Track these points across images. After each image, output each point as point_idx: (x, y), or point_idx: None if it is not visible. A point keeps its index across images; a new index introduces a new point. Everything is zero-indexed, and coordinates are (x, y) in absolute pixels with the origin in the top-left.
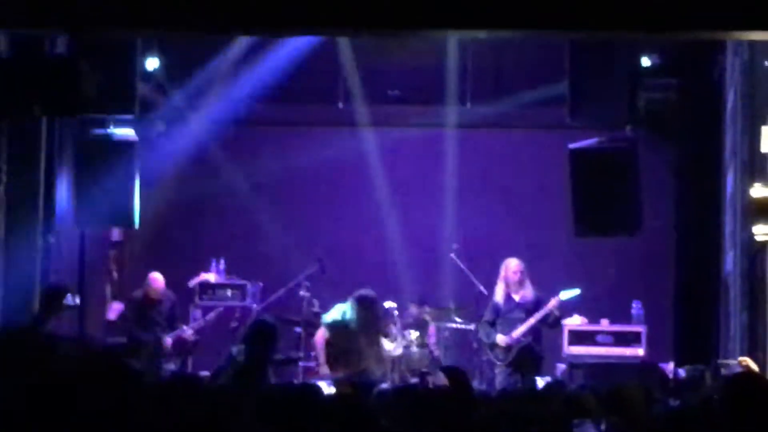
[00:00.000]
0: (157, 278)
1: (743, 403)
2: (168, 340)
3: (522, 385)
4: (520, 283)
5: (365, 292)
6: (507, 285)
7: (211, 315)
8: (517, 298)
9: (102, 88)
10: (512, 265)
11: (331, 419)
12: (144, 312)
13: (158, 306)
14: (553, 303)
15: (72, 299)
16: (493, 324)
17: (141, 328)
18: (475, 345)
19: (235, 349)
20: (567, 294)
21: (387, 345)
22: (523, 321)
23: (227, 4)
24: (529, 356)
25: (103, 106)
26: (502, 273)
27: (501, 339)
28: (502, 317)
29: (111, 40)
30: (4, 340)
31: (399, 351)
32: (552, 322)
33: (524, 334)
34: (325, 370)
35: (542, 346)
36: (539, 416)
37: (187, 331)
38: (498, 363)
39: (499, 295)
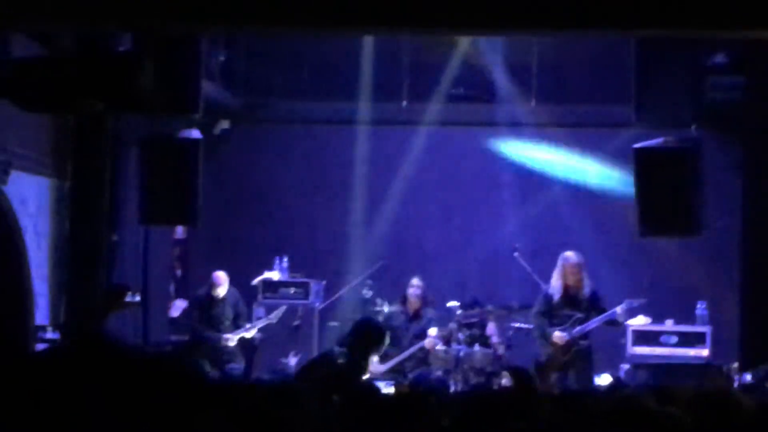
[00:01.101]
0: (220, 276)
1: None
2: (231, 339)
3: (579, 385)
4: (579, 278)
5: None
6: (565, 278)
7: (275, 313)
8: (575, 293)
9: (166, 85)
10: (572, 258)
11: (389, 419)
12: (208, 310)
13: (222, 304)
14: (619, 309)
15: (132, 297)
16: (545, 315)
17: (205, 326)
18: (500, 350)
19: (336, 350)
20: (633, 302)
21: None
22: (579, 319)
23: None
24: (585, 356)
25: (168, 104)
26: (559, 266)
27: (558, 337)
28: (557, 312)
29: (176, 37)
30: (73, 347)
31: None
32: (613, 324)
33: (582, 335)
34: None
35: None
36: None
37: (250, 329)
38: (553, 362)
39: (555, 288)
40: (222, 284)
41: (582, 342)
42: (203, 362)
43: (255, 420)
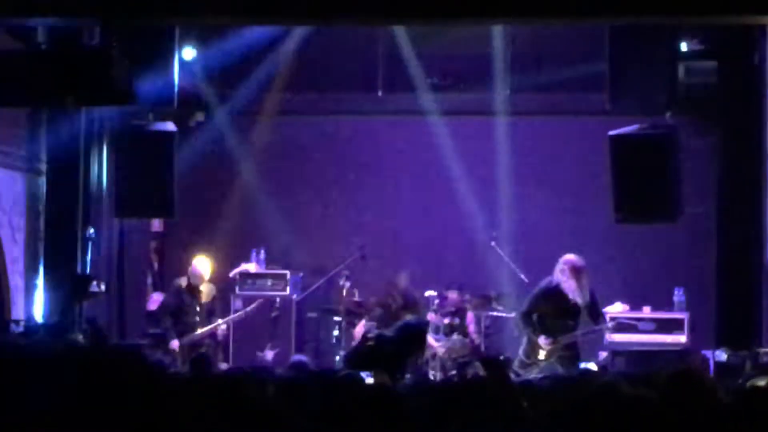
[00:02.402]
0: (199, 266)
1: None
2: (174, 342)
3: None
4: (585, 284)
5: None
6: (576, 282)
7: (252, 306)
8: (577, 300)
9: (139, 78)
10: (579, 263)
11: (368, 408)
12: (184, 301)
13: (198, 295)
14: (607, 325)
15: (97, 286)
16: (532, 316)
17: (177, 318)
18: (516, 333)
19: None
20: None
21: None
22: (570, 326)
23: None
24: (566, 360)
25: (141, 97)
26: (569, 269)
27: (545, 343)
28: (553, 317)
29: (148, 30)
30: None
31: (442, 348)
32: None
33: (567, 345)
34: None
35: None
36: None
37: (222, 325)
38: (533, 361)
39: (567, 290)
40: (202, 272)
41: (567, 351)
42: (169, 357)
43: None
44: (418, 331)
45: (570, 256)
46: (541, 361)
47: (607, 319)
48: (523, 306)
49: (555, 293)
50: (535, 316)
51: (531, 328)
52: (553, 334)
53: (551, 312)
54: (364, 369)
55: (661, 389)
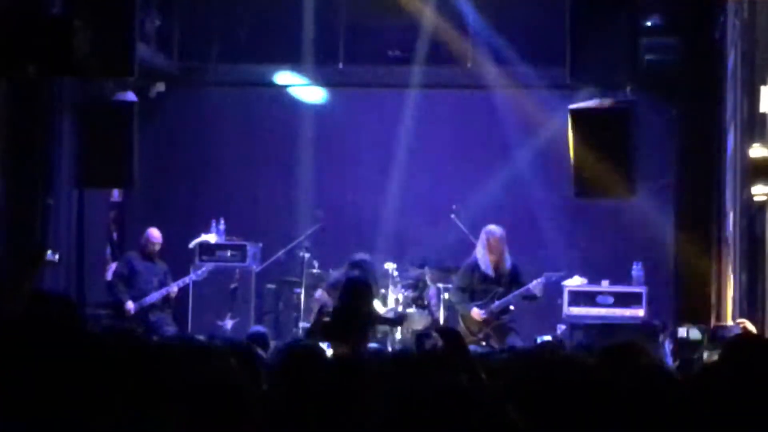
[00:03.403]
0: (154, 233)
1: (741, 365)
2: (130, 308)
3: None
4: (501, 253)
5: (361, 256)
6: (489, 253)
7: (201, 271)
8: (497, 268)
9: (100, 48)
10: (496, 232)
11: (329, 381)
12: (135, 268)
13: (152, 264)
14: (536, 283)
15: (52, 255)
16: (465, 290)
17: (131, 285)
18: (437, 312)
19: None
20: (552, 276)
21: (379, 308)
22: (498, 293)
23: None
24: (501, 330)
25: (102, 67)
26: (484, 240)
27: (476, 313)
28: (478, 286)
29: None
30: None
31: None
32: (530, 299)
33: (501, 311)
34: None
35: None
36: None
37: (174, 289)
38: (469, 336)
39: (483, 261)
40: (156, 240)
41: (503, 317)
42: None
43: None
44: (361, 284)
45: (489, 226)
46: (477, 334)
47: (536, 282)
48: (454, 282)
49: (477, 264)
50: (466, 290)
51: (462, 302)
52: (484, 305)
53: (479, 283)
54: (326, 341)
55: (720, 356)
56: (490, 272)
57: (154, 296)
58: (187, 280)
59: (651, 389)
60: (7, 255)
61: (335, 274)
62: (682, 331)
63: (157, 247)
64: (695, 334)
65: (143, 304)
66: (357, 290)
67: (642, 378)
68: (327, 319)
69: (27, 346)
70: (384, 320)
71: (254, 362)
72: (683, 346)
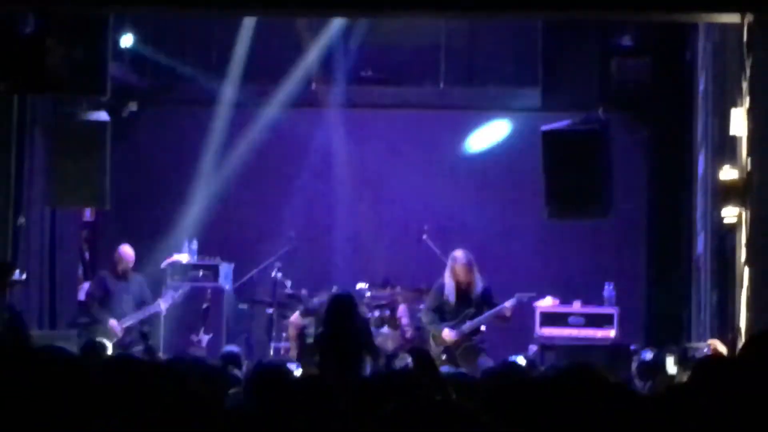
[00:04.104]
0: (127, 251)
1: (709, 386)
2: (115, 324)
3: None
4: (470, 277)
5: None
6: (455, 276)
7: (178, 293)
8: (464, 293)
9: (73, 67)
10: (460, 258)
11: (296, 400)
12: (109, 288)
13: (126, 283)
14: (507, 304)
15: (19, 275)
16: (436, 311)
17: (105, 305)
18: (409, 332)
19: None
20: (523, 297)
21: None
22: (469, 314)
23: None
24: (471, 352)
25: (75, 86)
26: (451, 264)
27: (447, 334)
28: (449, 308)
29: (83, 18)
30: None
31: None
32: (501, 319)
33: (472, 332)
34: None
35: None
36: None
37: (138, 316)
38: (441, 357)
39: (448, 287)
40: (128, 258)
41: (473, 338)
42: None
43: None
44: (345, 300)
45: (455, 252)
46: (447, 356)
47: (507, 304)
48: (425, 303)
49: (449, 288)
50: (436, 311)
51: (433, 323)
52: (455, 326)
53: (449, 305)
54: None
55: (689, 377)
56: (452, 299)
57: (134, 317)
58: (164, 303)
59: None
60: None
61: (316, 300)
62: (646, 354)
63: (130, 265)
64: (660, 356)
65: (124, 324)
66: (343, 305)
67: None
68: (309, 340)
69: None
70: (371, 347)
71: (220, 380)
72: (648, 368)
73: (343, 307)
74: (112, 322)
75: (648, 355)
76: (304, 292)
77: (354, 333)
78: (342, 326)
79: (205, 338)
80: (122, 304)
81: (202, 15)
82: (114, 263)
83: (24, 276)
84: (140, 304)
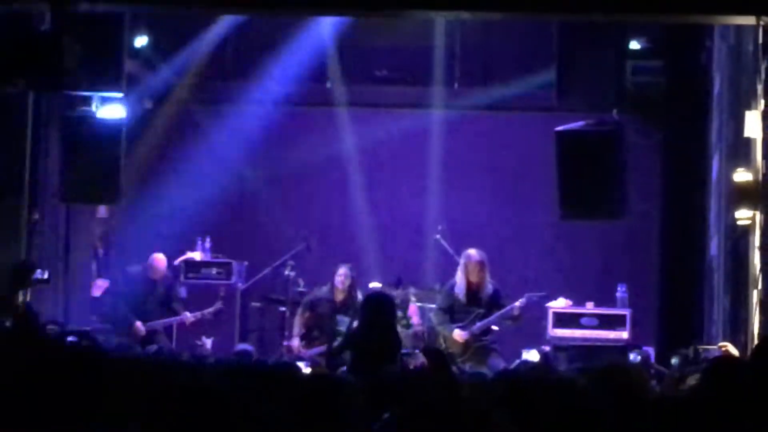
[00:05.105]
0: (159, 260)
1: (721, 388)
2: (140, 326)
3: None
4: (482, 276)
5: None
6: (467, 276)
7: (210, 310)
8: (477, 290)
9: (88, 64)
10: (474, 256)
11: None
12: (137, 290)
13: (154, 288)
14: (518, 304)
15: (41, 273)
16: (446, 311)
17: (132, 306)
18: (420, 332)
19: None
20: (534, 296)
21: None
22: (479, 314)
23: None
24: (485, 353)
25: (90, 83)
26: (462, 264)
27: (458, 335)
28: (459, 308)
29: (98, 16)
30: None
31: None
32: (512, 320)
33: (483, 332)
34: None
35: (495, 338)
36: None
37: (188, 317)
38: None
39: (459, 285)
40: (161, 267)
41: (483, 338)
42: (125, 342)
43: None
44: (383, 299)
45: (468, 250)
46: (458, 356)
47: (518, 303)
48: (436, 303)
49: (460, 287)
50: (447, 311)
51: (444, 324)
52: (465, 326)
53: (460, 305)
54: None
55: (701, 379)
56: (463, 297)
57: (159, 323)
58: (191, 317)
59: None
60: None
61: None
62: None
63: (160, 273)
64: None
65: (151, 327)
66: (383, 304)
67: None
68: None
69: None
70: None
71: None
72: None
73: (383, 307)
74: (138, 324)
75: (637, 357)
76: (323, 288)
77: (393, 335)
78: (382, 327)
79: (208, 342)
80: (147, 305)
81: (212, 13)
82: (145, 269)
83: (46, 275)
84: (168, 303)
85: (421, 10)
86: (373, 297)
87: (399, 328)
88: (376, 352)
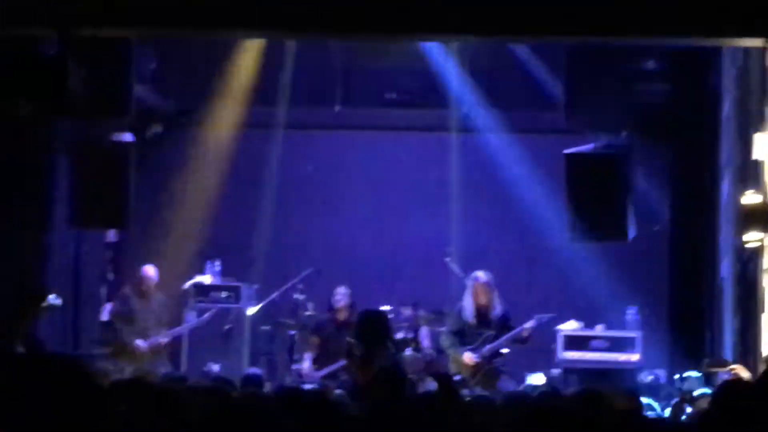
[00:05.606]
0: (149, 271)
1: (732, 412)
2: (142, 344)
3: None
4: (489, 297)
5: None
6: (475, 298)
7: (206, 316)
8: (486, 312)
9: (96, 89)
10: (481, 278)
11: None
12: (133, 307)
13: (148, 302)
14: (527, 326)
15: (55, 299)
16: (456, 334)
17: (129, 324)
18: (431, 355)
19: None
20: (543, 318)
21: None
22: (489, 337)
23: (221, 4)
24: (492, 375)
25: (97, 108)
26: (470, 285)
27: (469, 358)
28: (469, 330)
29: (105, 40)
30: None
31: None
32: (521, 342)
33: (492, 355)
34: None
35: (505, 361)
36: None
37: (165, 337)
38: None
39: (467, 308)
40: (150, 277)
41: (493, 361)
42: (123, 363)
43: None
44: (377, 316)
45: (475, 272)
46: (468, 379)
47: (527, 325)
48: (446, 326)
49: (468, 309)
50: (457, 334)
51: (454, 347)
52: (475, 349)
53: (469, 328)
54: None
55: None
56: (471, 318)
57: (159, 337)
58: (188, 326)
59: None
60: (2, 294)
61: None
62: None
63: (153, 285)
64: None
65: (151, 344)
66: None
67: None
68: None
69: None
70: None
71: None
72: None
73: (377, 324)
74: (138, 342)
75: (648, 378)
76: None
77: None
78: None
79: (215, 367)
80: (145, 323)
81: (224, 37)
82: (137, 283)
83: (60, 300)
84: (162, 323)
85: (429, 35)
86: (366, 314)
87: (409, 351)
88: (373, 368)
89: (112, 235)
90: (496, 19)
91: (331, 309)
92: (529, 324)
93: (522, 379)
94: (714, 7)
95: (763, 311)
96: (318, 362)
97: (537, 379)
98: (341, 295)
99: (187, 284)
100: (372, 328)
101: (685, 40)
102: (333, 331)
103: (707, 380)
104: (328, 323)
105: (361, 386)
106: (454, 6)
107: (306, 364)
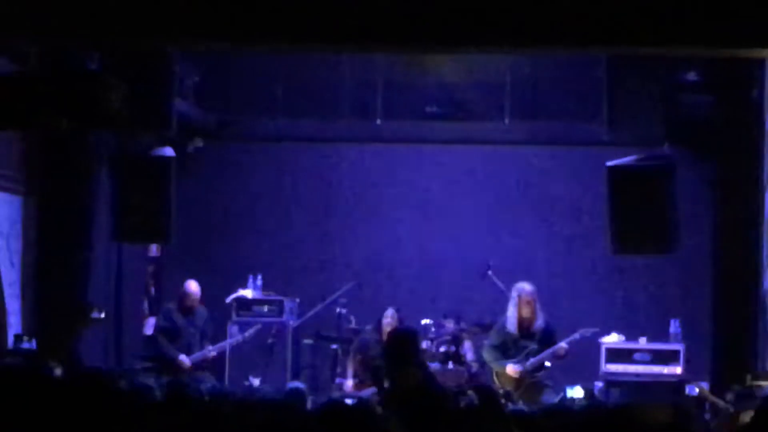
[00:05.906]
0: (193, 286)
1: None
2: (186, 361)
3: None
4: (533, 309)
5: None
6: (519, 310)
7: (250, 331)
8: (528, 325)
9: (136, 103)
10: (526, 289)
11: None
12: (176, 323)
13: (192, 317)
14: (563, 344)
15: (98, 314)
16: (498, 348)
17: (173, 340)
18: (474, 368)
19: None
20: (587, 332)
21: None
22: (533, 350)
23: (262, 17)
24: (535, 389)
25: (138, 122)
26: (515, 297)
27: (512, 369)
28: (511, 345)
29: (148, 55)
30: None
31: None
32: (558, 358)
33: (535, 368)
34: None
35: (548, 375)
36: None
37: (211, 352)
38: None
39: (511, 320)
40: (194, 292)
41: (536, 375)
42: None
43: None
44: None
45: (519, 283)
46: (512, 393)
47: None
48: (488, 339)
49: (512, 321)
50: (499, 347)
51: (496, 360)
52: (518, 362)
53: (512, 341)
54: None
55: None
56: (515, 330)
57: (203, 353)
58: (233, 341)
59: None
60: (45, 308)
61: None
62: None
63: (197, 300)
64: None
65: (195, 359)
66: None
67: None
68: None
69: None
70: None
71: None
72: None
73: (402, 345)
74: (182, 357)
75: (694, 390)
76: (368, 327)
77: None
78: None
79: (256, 381)
80: (189, 338)
81: (264, 50)
82: (180, 298)
83: (103, 314)
84: (206, 338)
85: (469, 47)
86: (392, 335)
87: (451, 365)
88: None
89: (154, 249)
90: (535, 30)
91: (379, 329)
92: (573, 337)
93: (563, 393)
94: (756, 19)
95: None
96: (360, 381)
97: (576, 392)
98: (389, 318)
99: (230, 298)
100: (397, 348)
101: (728, 51)
102: (379, 354)
103: (750, 394)
104: (373, 344)
105: (392, 408)
106: (493, 18)
107: (349, 382)
